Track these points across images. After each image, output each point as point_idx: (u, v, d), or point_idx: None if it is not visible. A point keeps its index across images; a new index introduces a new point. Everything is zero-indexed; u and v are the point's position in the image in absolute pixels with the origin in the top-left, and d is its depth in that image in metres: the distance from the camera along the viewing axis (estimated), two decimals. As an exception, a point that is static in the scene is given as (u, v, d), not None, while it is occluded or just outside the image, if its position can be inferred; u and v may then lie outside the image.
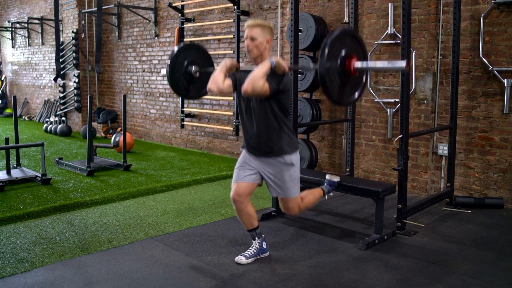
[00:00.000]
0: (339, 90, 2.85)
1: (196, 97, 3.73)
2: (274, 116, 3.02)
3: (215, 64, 7.45)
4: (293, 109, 4.24)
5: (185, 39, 7.60)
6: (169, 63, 3.44)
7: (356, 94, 3.00)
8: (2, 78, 13.58)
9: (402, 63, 2.74)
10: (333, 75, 2.79)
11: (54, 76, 9.85)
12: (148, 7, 8.31)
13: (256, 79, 2.80)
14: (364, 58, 2.96)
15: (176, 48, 3.50)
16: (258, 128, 3.06)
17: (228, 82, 3.03)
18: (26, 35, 11.98)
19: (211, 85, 2.98)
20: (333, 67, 2.77)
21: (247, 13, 6.63)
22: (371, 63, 2.86)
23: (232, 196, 3.14)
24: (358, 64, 2.81)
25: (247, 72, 3.05)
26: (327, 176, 3.69)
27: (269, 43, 3.03)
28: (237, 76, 3.11)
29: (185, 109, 7.76)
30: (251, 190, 3.16)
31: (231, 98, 6.94)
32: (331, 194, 3.69)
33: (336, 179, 3.68)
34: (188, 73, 3.52)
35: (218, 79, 2.98)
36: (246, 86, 2.81)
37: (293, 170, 3.11)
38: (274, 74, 2.92)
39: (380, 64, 3.15)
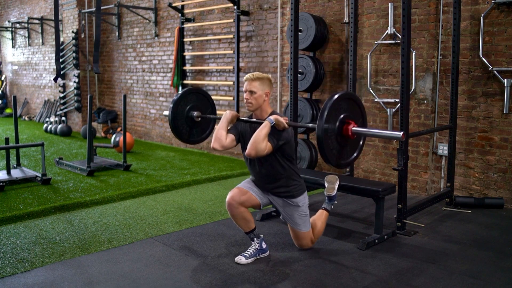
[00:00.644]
0: (337, 153, 2.90)
1: (197, 142, 3.81)
2: (279, 165, 3.12)
3: (214, 65, 7.46)
4: (293, 109, 4.24)
5: (185, 39, 7.61)
6: (170, 111, 3.52)
7: (353, 156, 3.05)
8: (2, 78, 13.59)
9: (399, 134, 2.84)
10: (331, 138, 2.84)
11: (54, 76, 9.85)
12: (148, 7, 8.31)
13: (258, 143, 2.91)
14: (362, 121, 3.00)
15: (176, 96, 3.58)
16: (265, 177, 3.17)
17: (231, 137, 3.14)
18: (26, 35, 11.98)
19: (214, 144, 3.10)
20: (331, 129, 2.82)
21: (247, 13, 6.63)
22: (369, 130, 2.97)
23: (227, 199, 3.13)
24: (356, 129, 2.85)
25: (248, 123, 3.18)
26: (325, 192, 3.58)
27: (268, 96, 3.12)
28: (238, 128, 3.22)
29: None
30: (248, 202, 3.14)
31: (231, 98, 6.94)
32: (336, 202, 3.67)
33: (333, 192, 3.56)
34: (189, 118, 3.62)
35: (221, 137, 3.09)
36: (249, 150, 2.92)
37: (301, 209, 3.23)
38: (274, 130, 3.01)
39: (378, 131, 3.28)
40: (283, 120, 3.00)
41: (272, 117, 3.00)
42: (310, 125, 3.08)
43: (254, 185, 3.25)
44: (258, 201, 3.19)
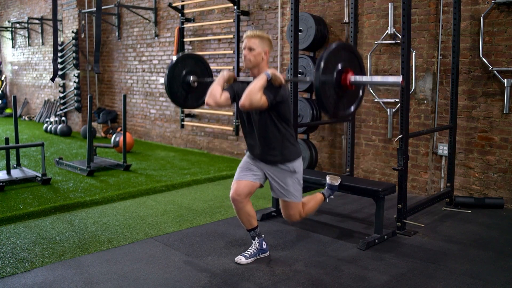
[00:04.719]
0: (335, 104, 2.86)
1: (194, 107, 3.76)
2: (275, 126, 3.04)
3: (214, 65, 7.45)
4: (293, 109, 4.24)
5: (185, 39, 7.61)
6: (167, 72, 3.48)
7: (352, 108, 3.02)
8: (2, 78, 13.58)
9: (398, 79, 2.79)
10: (329, 89, 2.80)
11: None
12: (148, 7, 8.31)
13: (253, 93, 2.82)
14: (361, 72, 2.98)
15: (174, 58, 3.52)
16: (260, 139, 3.08)
17: (226, 95, 3.03)
18: (26, 35, 11.98)
19: (208, 99, 2.98)
20: (329, 80, 2.79)
21: (247, 13, 6.63)
22: (367, 78, 2.91)
23: (231, 195, 3.14)
24: (354, 78, 2.83)
25: (245, 83, 3.07)
26: (328, 180, 3.66)
27: (267, 55, 3.06)
28: (235, 88, 3.11)
29: (185, 109, 7.76)
30: (252, 190, 3.15)
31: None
32: (332, 197, 3.69)
33: (336, 182, 3.66)
34: (186, 83, 3.55)
35: (216, 93, 2.98)
36: (243, 100, 2.82)
37: (296, 177, 3.14)
38: (271, 86, 2.94)
39: (376, 78, 3.21)
40: (281, 76, 2.93)
41: (269, 71, 2.92)
42: (308, 78, 3.06)
43: (249, 160, 3.18)
44: (258, 183, 3.17)
